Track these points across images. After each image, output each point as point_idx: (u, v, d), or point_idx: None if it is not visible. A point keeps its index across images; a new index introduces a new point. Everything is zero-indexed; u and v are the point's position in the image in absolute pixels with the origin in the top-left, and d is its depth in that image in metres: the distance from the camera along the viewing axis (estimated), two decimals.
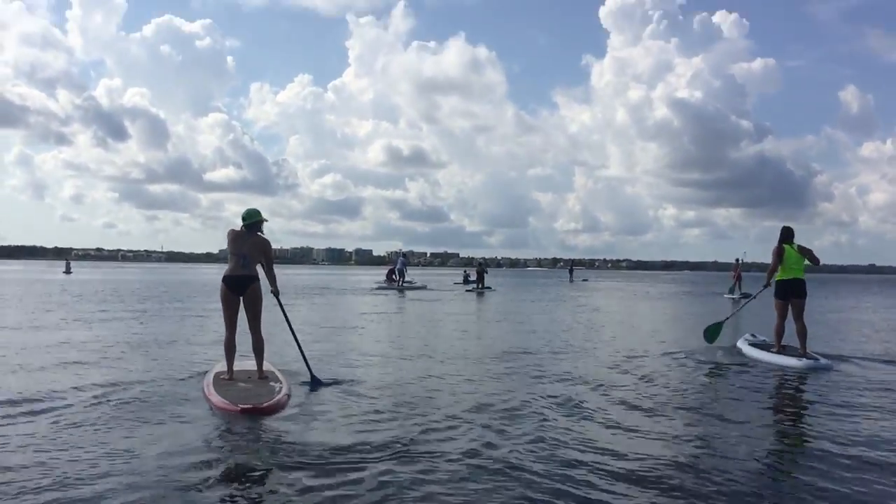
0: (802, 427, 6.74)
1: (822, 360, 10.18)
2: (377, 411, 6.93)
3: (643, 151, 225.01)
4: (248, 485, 4.80)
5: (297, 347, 8.57)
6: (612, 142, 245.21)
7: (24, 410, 6.65)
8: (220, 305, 8.11)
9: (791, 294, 10.53)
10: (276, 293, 8.19)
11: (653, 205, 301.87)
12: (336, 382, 8.23)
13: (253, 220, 8.03)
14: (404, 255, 42.57)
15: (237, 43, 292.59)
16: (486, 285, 39.38)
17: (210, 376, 7.94)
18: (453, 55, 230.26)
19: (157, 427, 6.15)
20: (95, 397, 7.25)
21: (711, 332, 12.13)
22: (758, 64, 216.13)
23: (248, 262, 7.89)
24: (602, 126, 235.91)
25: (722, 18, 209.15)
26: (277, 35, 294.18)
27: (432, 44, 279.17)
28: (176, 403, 7.08)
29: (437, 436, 6.02)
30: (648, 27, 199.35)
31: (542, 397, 7.68)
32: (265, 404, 6.78)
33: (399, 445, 5.67)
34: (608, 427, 6.44)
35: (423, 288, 39.17)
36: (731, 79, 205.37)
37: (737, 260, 34.76)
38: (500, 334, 14.91)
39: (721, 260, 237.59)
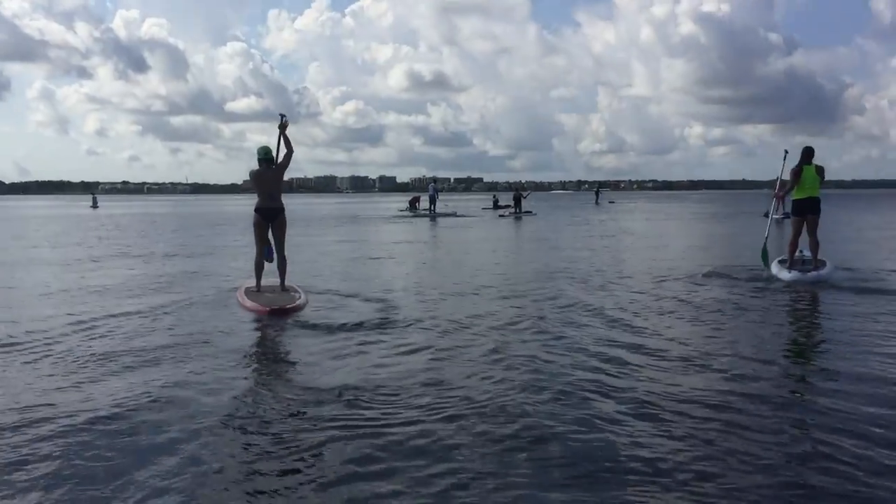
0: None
1: (812, 273, 10.89)
2: (388, 310, 8.54)
3: (668, 69, 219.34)
4: (270, 352, 6.93)
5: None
6: (637, 59, 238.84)
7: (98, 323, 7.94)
8: (248, 233, 9.96)
9: (807, 211, 11.25)
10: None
11: (679, 123, 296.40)
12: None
13: (266, 157, 9.43)
14: (435, 181, 42.18)
15: None
16: (524, 209, 38.79)
17: (242, 289, 9.56)
18: None
19: (207, 324, 7.92)
20: (156, 305, 9.11)
21: (763, 256, 12.02)
22: None
23: (275, 194, 9.46)
24: (626, 44, 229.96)
25: None
26: None
27: None
28: (219, 307, 8.94)
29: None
30: None
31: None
32: (289, 306, 8.46)
33: (387, 326, 7.56)
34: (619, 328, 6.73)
35: (454, 215, 38.62)
36: None
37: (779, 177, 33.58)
38: (541, 257, 14.72)
39: (749, 178, 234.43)
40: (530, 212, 39.09)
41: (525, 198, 40.55)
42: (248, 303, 8.70)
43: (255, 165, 9.48)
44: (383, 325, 7.60)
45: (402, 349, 6.53)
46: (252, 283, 9.68)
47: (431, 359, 6.19)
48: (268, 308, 8.35)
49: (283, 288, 9.54)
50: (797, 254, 11.65)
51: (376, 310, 8.52)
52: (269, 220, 9.44)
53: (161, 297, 9.61)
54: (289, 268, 9.93)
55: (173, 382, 5.48)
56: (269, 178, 9.39)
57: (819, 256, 11.36)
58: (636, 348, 6.52)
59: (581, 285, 10.65)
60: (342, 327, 7.43)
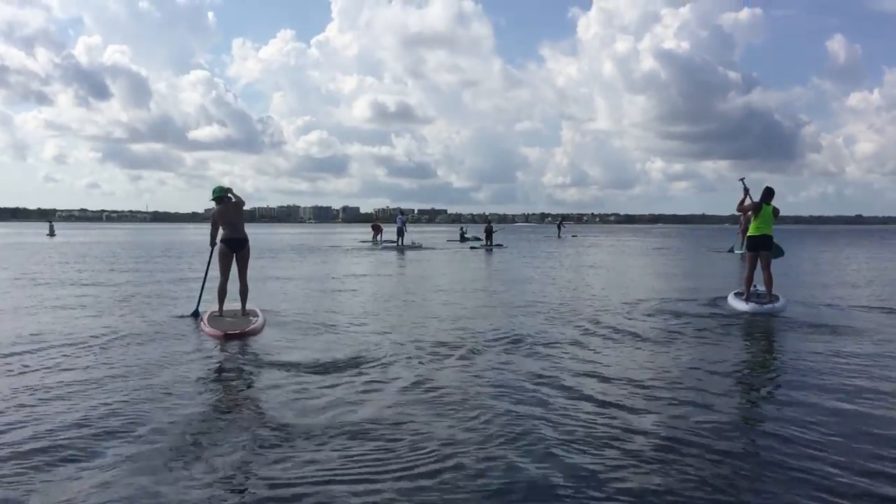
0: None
1: (768, 305, 11.36)
2: (336, 333, 9.30)
3: (630, 104, 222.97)
4: (229, 381, 6.93)
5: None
6: (600, 94, 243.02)
7: (62, 343, 8.50)
8: (213, 261, 10.53)
9: (760, 247, 11.94)
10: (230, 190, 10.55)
11: (640, 158, 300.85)
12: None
13: (223, 194, 10.38)
14: (402, 212, 41.29)
15: None
16: (495, 242, 39.98)
17: (206, 314, 10.20)
18: (439, 8, 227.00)
19: (167, 346, 8.44)
20: (115, 331, 9.46)
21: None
22: (745, 14, 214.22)
23: (238, 226, 10.38)
24: (589, 79, 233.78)
25: None
26: None
27: None
28: (180, 333, 9.38)
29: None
30: None
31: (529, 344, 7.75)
32: (246, 329, 9.16)
33: (349, 362, 7.46)
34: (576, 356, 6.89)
35: (419, 247, 38.13)
36: (719, 29, 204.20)
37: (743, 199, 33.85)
38: (509, 289, 14.76)
39: (709, 213, 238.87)
40: (501, 245, 39.97)
41: (496, 231, 41.83)
42: (208, 328, 9.37)
43: (210, 201, 10.49)
44: (349, 361, 7.53)
45: (364, 387, 6.46)
46: (216, 307, 10.37)
47: (395, 398, 6.11)
48: (223, 333, 8.98)
49: (243, 312, 10.37)
50: (752, 288, 12.07)
51: (338, 344, 8.53)
52: (235, 251, 10.35)
53: (122, 324, 9.99)
54: (258, 299, 10.64)
55: (114, 413, 5.46)
56: (230, 211, 10.40)
57: (773, 291, 11.83)
58: (597, 386, 6.57)
59: (546, 319, 10.74)
60: (300, 364, 7.29)
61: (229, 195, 10.40)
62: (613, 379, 6.77)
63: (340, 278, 18.80)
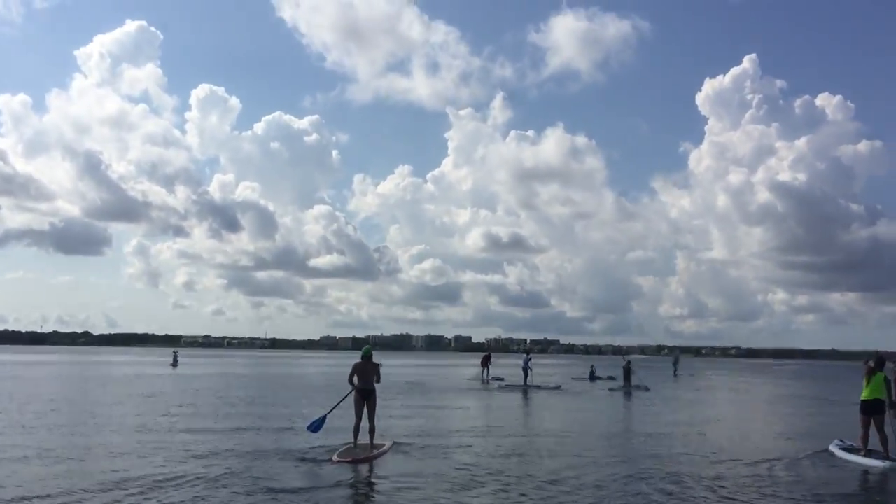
0: None
1: (887, 462, 12.29)
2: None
3: (747, 235, 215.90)
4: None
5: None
6: (714, 225, 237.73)
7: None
8: (347, 399, 13.62)
9: (873, 412, 12.97)
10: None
11: (761, 289, 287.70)
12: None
13: (369, 354, 13.53)
14: (527, 352, 40.21)
15: (343, 137, 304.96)
16: (634, 383, 34.61)
17: (340, 450, 13.10)
18: (552, 144, 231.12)
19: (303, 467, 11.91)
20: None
21: None
22: (864, 146, 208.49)
23: (369, 380, 13.29)
24: (703, 210, 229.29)
25: (825, 101, 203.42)
26: (380, 129, 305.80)
27: (531, 133, 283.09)
28: (316, 457, 12.80)
29: None
30: (748, 112, 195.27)
31: None
32: (369, 456, 12.48)
33: None
34: None
35: (557, 388, 34.70)
36: (837, 161, 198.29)
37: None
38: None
39: (839, 347, 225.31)
40: (639, 386, 34.59)
41: (633, 372, 36.00)
42: (337, 459, 12.27)
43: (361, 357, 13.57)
44: None
45: None
46: (351, 441, 13.32)
47: None
48: (352, 459, 12.16)
49: (371, 445, 13.20)
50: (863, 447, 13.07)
51: None
52: (365, 399, 13.22)
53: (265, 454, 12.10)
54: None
55: None
56: (367, 370, 13.26)
57: (890, 452, 12.66)
58: None
59: None
60: None
61: (372, 359, 13.30)
62: None
63: (463, 431, 18.01)
